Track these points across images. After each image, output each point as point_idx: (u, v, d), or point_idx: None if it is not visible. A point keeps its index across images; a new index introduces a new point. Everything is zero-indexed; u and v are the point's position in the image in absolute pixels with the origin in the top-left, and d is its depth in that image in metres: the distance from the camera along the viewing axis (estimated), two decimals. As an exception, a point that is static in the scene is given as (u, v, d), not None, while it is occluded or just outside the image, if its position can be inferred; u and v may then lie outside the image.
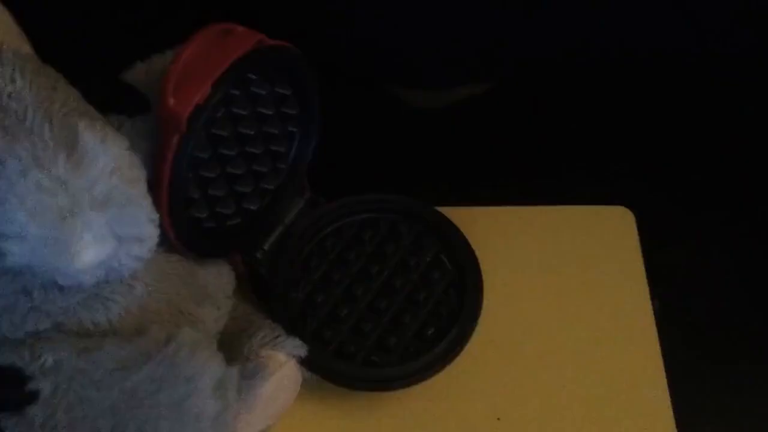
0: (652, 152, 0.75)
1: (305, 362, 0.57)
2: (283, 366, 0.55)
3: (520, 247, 0.69)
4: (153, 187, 0.48)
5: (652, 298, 0.66)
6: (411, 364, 0.59)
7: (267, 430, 0.57)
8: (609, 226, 0.70)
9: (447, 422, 0.61)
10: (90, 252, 0.39)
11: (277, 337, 0.56)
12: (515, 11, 0.68)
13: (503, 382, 0.63)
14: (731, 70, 0.74)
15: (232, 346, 0.56)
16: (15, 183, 0.38)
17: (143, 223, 0.41)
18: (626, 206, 0.70)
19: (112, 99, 0.50)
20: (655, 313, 0.66)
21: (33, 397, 0.44)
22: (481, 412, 0.61)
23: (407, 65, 0.74)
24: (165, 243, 0.51)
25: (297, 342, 0.57)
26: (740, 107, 0.76)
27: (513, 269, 0.67)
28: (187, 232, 0.53)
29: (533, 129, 0.77)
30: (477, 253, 0.64)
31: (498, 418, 0.61)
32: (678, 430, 0.60)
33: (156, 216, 0.45)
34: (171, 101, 0.50)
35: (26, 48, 0.46)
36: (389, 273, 0.63)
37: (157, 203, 0.47)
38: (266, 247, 0.62)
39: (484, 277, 0.63)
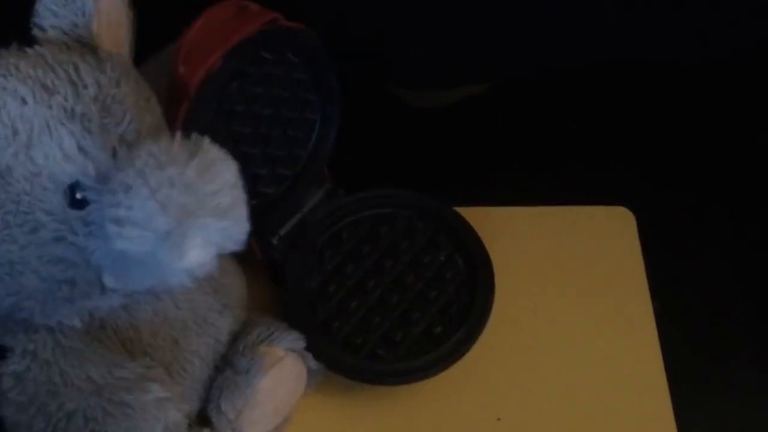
0: (653, 152, 0.75)
1: (312, 350, 0.57)
2: (281, 359, 0.55)
3: (520, 248, 0.69)
4: None
5: (652, 298, 0.66)
6: (414, 360, 0.60)
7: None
8: (609, 226, 0.70)
9: (447, 422, 0.61)
10: (197, 254, 0.40)
11: (273, 333, 0.56)
12: (515, 12, 0.68)
13: (503, 382, 0.63)
14: (731, 70, 0.74)
15: (229, 346, 0.56)
16: (149, 175, 0.39)
17: (243, 240, 0.42)
18: (626, 206, 0.71)
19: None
20: (655, 313, 0.66)
21: None
22: (481, 412, 0.61)
23: (407, 65, 0.73)
24: None
25: (295, 335, 0.57)
26: (740, 107, 0.76)
27: (513, 269, 0.67)
28: None
29: (533, 129, 0.77)
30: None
31: (498, 418, 0.61)
32: (678, 430, 0.60)
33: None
34: (181, 69, 0.51)
35: (126, 50, 0.49)
36: (402, 269, 0.64)
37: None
38: (282, 233, 0.63)
39: (485, 277, 0.63)
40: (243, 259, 0.59)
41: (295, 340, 0.57)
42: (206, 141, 0.41)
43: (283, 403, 0.57)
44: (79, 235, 0.43)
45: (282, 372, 0.55)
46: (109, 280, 0.45)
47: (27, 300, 0.45)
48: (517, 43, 0.71)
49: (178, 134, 0.41)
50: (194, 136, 0.41)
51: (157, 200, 0.39)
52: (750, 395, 0.63)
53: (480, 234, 0.65)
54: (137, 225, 0.39)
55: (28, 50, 0.45)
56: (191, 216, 0.39)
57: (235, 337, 0.56)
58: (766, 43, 0.71)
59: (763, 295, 0.68)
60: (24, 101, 0.43)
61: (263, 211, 0.62)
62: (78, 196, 0.43)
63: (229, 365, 0.55)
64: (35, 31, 0.47)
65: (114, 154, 0.43)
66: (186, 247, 0.39)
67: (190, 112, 0.51)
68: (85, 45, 0.47)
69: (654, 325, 0.65)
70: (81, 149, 0.43)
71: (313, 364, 0.58)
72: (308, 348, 0.57)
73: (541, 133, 0.76)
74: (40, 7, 0.47)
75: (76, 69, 0.44)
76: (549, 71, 0.75)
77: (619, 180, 0.73)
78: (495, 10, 0.67)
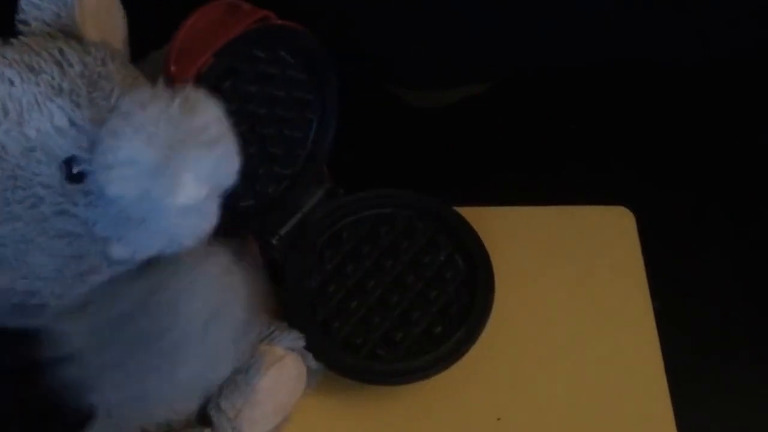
0: (653, 152, 0.75)
1: (312, 350, 0.57)
2: (281, 359, 0.55)
3: (520, 247, 0.69)
4: None
5: (652, 298, 0.66)
6: (414, 360, 0.60)
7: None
8: (609, 226, 0.70)
9: (447, 422, 0.61)
10: (191, 188, 0.40)
11: (273, 332, 0.56)
12: (515, 13, 0.68)
13: (503, 382, 0.63)
14: (731, 70, 0.74)
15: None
16: (133, 115, 0.40)
17: (233, 175, 0.43)
18: (626, 206, 0.71)
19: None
20: (655, 313, 0.66)
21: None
22: (481, 412, 0.61)
23: (407, 65, 0.73)
24: None
25: (295, 335, 0.57)
26: (740, 107, 0.76)
27: (513, 269, 0.67)
28: None
29: (533, 129, 0.77)
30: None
31: (498, 418, 0.61)
32: (678, 430, 0.60)
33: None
34: (173, 68, 0.51)
35: (119, 46, 0.50)
36: (402, 269, 0.64)
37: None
38: (282, 233, 0.63)
39: (485, 276, 0.63)
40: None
41: (295, 339, 0.57)
42: (189, 86, 0.42)
43: (283, 402, 0.57)
44: (80, 206, 0.44)
45: (282, 371, 0.55)
46: (115, 250, 0.45)
47: (38, 280, 0.45)
48: (517, 43, 0.71)
49: (161, 79, 0.42)
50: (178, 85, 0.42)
51: (143, 136, 0.39)
52: (750, 395, 0.63)
53: (480, 234, 0.65)
54: (126, 164, 0.40)
55: (14, 41, 0.46)
56: (179, 147, 0.39)
57: None
58: (766, 43, 0.71)
59: (763, 295, 0.68)
60: (11, 82, 0.43)
61: (263, 211, 0.62)
62: (75, 170, 0.43)
63: (229, 364, 0.55)
64: (20, 28, 0.48)
65: None
66: (179, 180, 0.39)
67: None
68: (69, 35, 0.47)
69: (654, 324, 0.65)
70: (72, 123, 0.43)
71: (313, 363, 0.58)
72: (308, 348, 0.57)
73: (541, 133, 0.76)
74: (23, 3, 0.48)
75: (61, 51, 0.45)
76: (549, 71, 0.75)
77: (619, 180, 0.73)
78: (495, 11, 0.67)
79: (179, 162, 0.39)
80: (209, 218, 0.43)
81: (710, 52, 0.72)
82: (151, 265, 0.46)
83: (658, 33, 0.70)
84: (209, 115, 0.41)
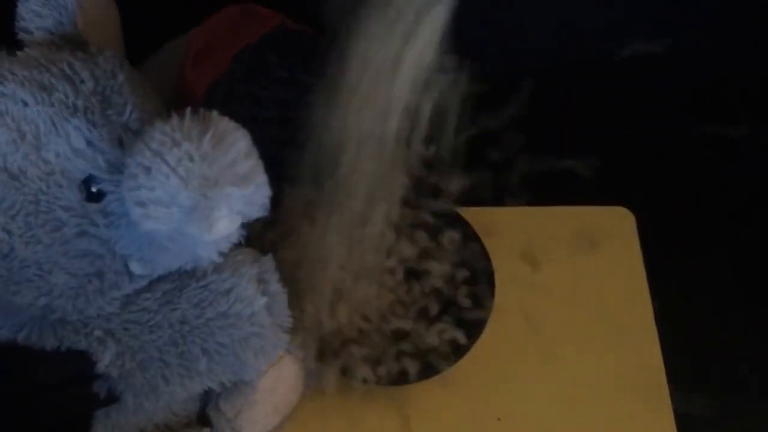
0: (653, 153, 0.75)
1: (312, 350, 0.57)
2: (280, 359, 0.55)
3: (520, 247, 0.69)
4: None
5: (652, 298, 0.66)
6: (414, 361, 0.59)
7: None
8: (609, 226, 0.70)
9: (447, 422, 0.61)
10: (224, 224, 0.40)
11: None
12: (515, 12, 0.68)
13: (503, 382, 0.63)
14: (731, 70, 0.74)
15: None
16: (166, 153, 0.40)
17: (266, 206, 0.43)
18: (626, 206, 0.70)
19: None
20: (655, 313, 0.66)
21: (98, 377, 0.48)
22: (481, 412, 0.61)
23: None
24: None
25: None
26: (740, 107, 0.76)
27: (513, 269, 0.67)
28: None
29: (532, 129, 0.77)
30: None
31: (498, 418, 0.61)
32: (678, 430, 0.60)
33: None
34: (189, 72, 0.51)
35: (117, 48, 0.50)
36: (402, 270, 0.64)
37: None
38: None
39: (484, 276, 0.63)
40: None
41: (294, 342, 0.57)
42: (215, 114, 0.42)
43: (283, 402, 0.57)
44: (100, 226, 0.44)
45: (281, 371, 0.55)
46: (135, 267, 0.45)
47: (59, 299, 0.45)
48: (517, 43, 0.71)
49: (188, 110, 0.41)
50: (202, 111, 0.41)
51: (179, 176, 0.39)
52: (750, 395, 0.63)
53: (480, 234, 0.65)
54: (162, 203, 0.40)
55: (19, 54, 0.45)
56: (214, 187, 0.39)
57: None
58: (766, 43, 0.71)
59: (763, 295, 0.68)
60: (25, 103, 0.43)
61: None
62: (93, 189, 0.44)
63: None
64: (21, 36, 0.47)
65: (121, 144, 0.44)
66: (213, 218, 0.40)
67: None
68: (72, 42, 0.47)
69: (654, 325, 0.65)
70: (89, 143, 0.43)
71: (312, 364, 0.58)
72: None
73: (541, 133, 0.76)
74: (22, 11, 0.47)
75: (70, 65, 0.45)
76: (549, 71, 0.75)
77: (619, 180, 0.73)
78: (495, 10, 0.67)
79: (215, 201, 0.40)
80: (232, 238, 0.43)
81: (710, 51, 0.72)
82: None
83: (658, 34, 0.70)
84: (240, 148, 0.41)
